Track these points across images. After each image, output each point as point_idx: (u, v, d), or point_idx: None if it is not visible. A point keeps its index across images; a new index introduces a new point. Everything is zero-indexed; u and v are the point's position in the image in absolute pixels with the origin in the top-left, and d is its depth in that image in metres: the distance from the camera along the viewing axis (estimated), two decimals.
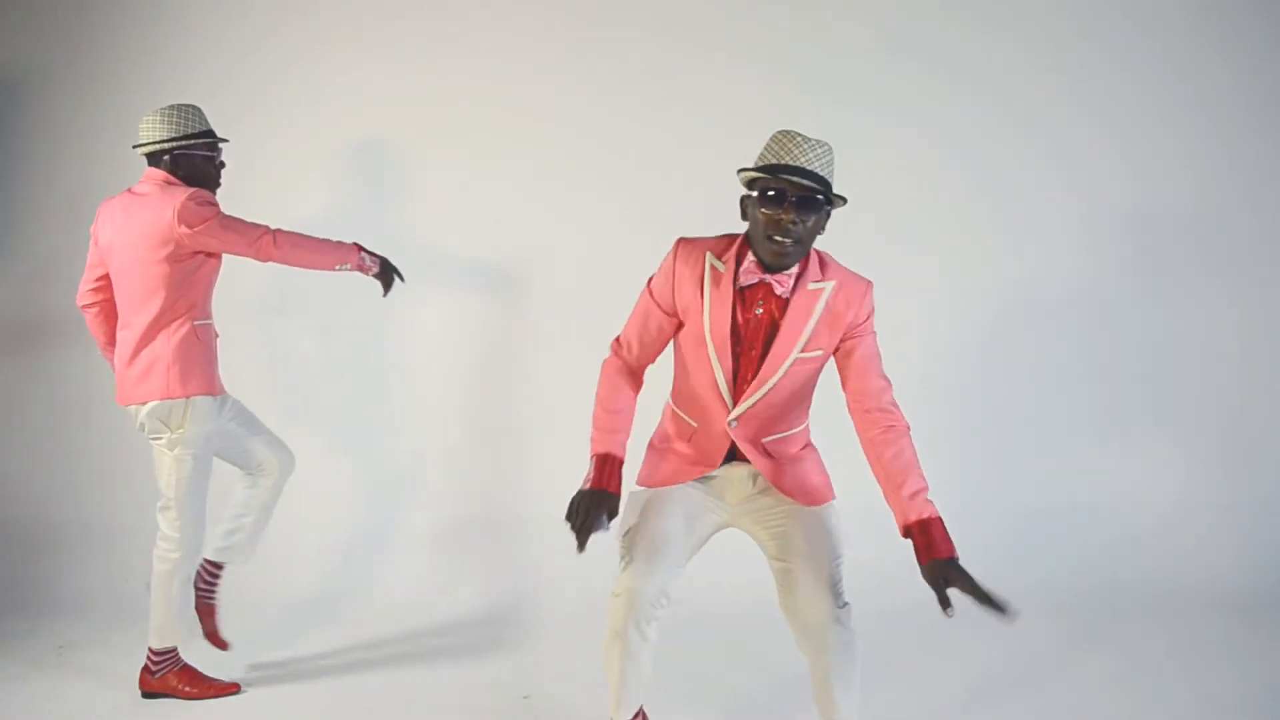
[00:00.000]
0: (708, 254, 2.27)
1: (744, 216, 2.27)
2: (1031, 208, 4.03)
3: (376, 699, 3.09)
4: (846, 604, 2.27)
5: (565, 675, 3.18)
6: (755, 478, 2.40)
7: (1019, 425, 4.04)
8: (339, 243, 3.19)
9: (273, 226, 3.06)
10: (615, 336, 2.39)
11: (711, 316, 2.24)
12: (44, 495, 4.24)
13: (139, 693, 3.13)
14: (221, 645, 3.32)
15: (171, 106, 3.06)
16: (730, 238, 2.31)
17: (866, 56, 4.03)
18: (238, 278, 4.20)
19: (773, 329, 2.23)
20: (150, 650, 3.13)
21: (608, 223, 4.05)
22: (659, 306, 2.31)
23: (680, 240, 2.32)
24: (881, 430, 2.23)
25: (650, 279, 2.33)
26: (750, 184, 2.22)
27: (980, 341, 4.05)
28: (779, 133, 2.20)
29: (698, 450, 2.38)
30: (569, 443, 4.04)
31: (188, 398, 3.02)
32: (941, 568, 2.08)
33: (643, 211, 4.03)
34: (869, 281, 2.29)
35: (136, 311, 3.03)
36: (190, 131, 3.05)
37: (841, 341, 2.26)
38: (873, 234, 4.05)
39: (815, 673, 2.28)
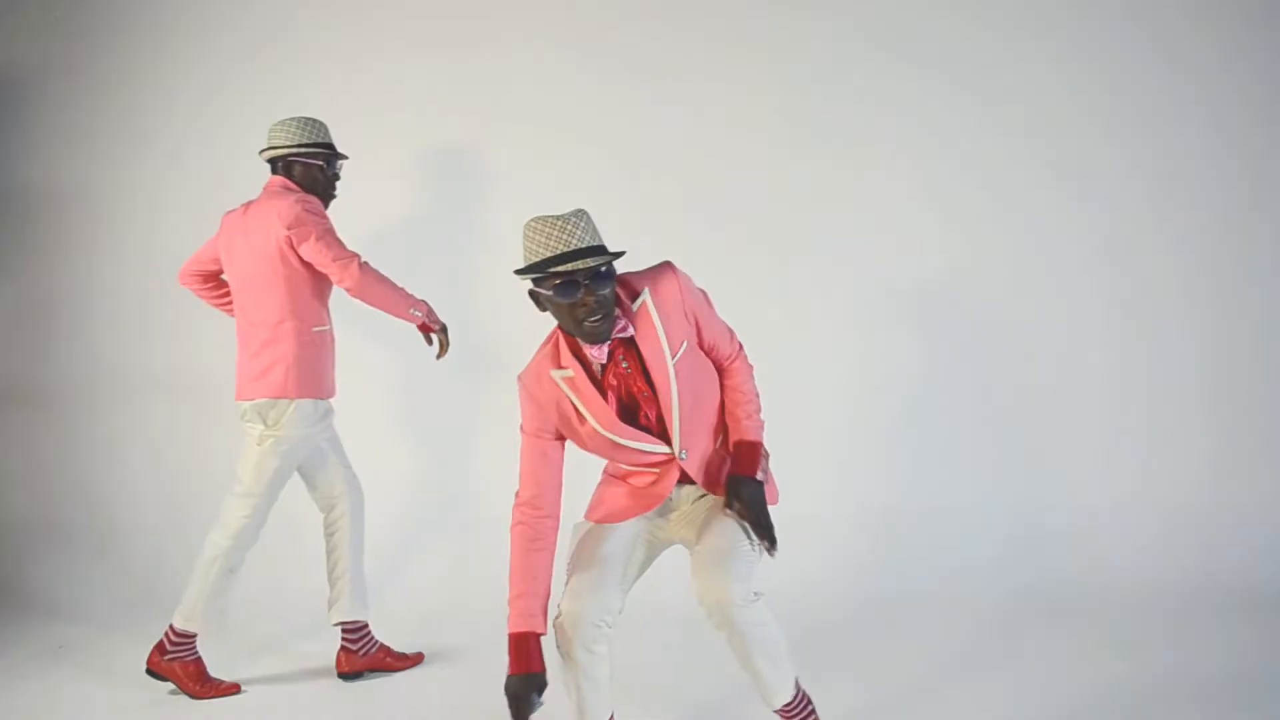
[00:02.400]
0: (551, 373, 2.29)
1: (541, 309, 2.27)
2: (1035, 208, 4.00)
3: (374, 698, 3.08)
4: (757, 594, 2.25)
5: (553, 673, 3.16)
6: (701, 493, 2.45)
7: (1017, 424, 4.02)
8: (412, 295, 3.28)
9: (362, 259, 3.15)
10: (514, 504, 2.32)
11: (598, 419, 2.28)
12: (43, 495, 4.26)
13: (146, 671, 3.12)
14: (414, 661, 3.34)
15: (296, 117, 3.23)
16: (550, 345, 2.32)
17: (870, 61, 4.02)
18: None
19: (643, 364, 2.28)
20: (170, 628, 3.12)
21: (623, 224, 4.04)
22: (544, 438, 2.31)
23: (520, 378, 2.33)
24: (725, 379, 2.42)
25: (521, 428, 2.33)
26: (537, 282, 2.21)
27: (981, 339, 4.03)
28: (533, 223, 2.19)
29: (653, 485, 2.39)
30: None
31: (293, 399, 3.11)
32: (737, 482, 2.29)
33: (653, 216, 4.04)
34: (665, 264, 2.33)
35: (258, 312, 3.16)
36: (306, 141, 3.19)
37: (692, 329, 2.33)
38: (873, 233, 4.05)
39: (735, 652, 2.29)
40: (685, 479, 2.39)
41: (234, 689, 3.16)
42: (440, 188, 4.18)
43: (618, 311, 2.24)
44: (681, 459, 2.34)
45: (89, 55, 4.25)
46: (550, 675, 2.24)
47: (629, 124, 4.09)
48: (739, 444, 2.35)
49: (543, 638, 2.24)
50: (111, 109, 4.25)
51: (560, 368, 2.28)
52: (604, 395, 2.27)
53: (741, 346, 2.43)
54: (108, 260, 4.28)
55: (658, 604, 3.23)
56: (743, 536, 2.28)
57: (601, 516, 2.42)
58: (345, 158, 3.30)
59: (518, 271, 2.20)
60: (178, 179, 4.24)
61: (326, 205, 3.25)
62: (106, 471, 4.24)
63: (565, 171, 4.06)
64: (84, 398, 4.26)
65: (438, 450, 4.21)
